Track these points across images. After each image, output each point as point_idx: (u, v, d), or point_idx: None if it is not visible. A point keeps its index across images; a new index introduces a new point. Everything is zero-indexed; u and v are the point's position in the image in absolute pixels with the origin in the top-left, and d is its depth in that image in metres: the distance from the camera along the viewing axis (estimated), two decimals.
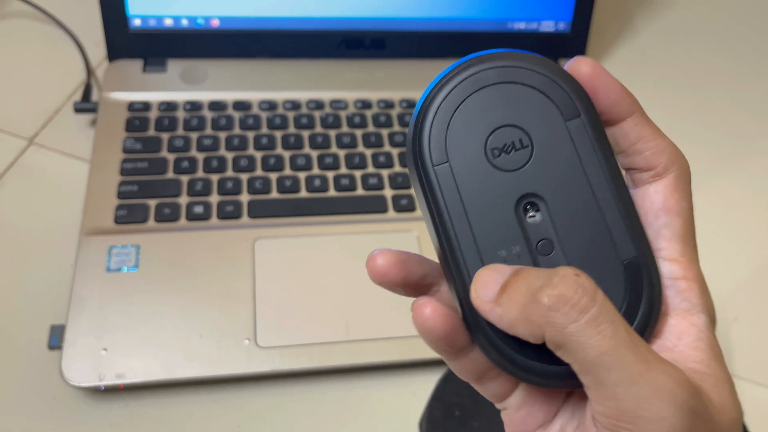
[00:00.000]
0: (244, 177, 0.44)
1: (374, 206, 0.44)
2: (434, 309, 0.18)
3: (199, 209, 0.42)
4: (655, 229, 0.19)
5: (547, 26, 0.54)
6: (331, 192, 0.44)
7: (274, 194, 0.44)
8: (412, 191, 0.45)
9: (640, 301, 0.18)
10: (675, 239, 0.18)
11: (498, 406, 0.21)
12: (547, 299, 0.16)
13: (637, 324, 0.18)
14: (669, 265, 0.18)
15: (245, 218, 0.42)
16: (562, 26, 0.54)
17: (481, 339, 0.18)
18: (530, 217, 0.18)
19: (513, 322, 0.17)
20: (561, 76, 0.18)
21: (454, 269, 0.18)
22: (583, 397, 0.19)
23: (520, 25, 0.54)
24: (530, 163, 0.18)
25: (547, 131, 0.18)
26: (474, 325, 0.18)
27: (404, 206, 0.44)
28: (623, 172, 0.19)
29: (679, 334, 0.18)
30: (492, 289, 0.17)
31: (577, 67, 0.19)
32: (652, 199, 0.19)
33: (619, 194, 0.18)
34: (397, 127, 0.49)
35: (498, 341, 0.18)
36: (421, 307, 0.18)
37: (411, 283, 0.20)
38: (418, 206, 0.20)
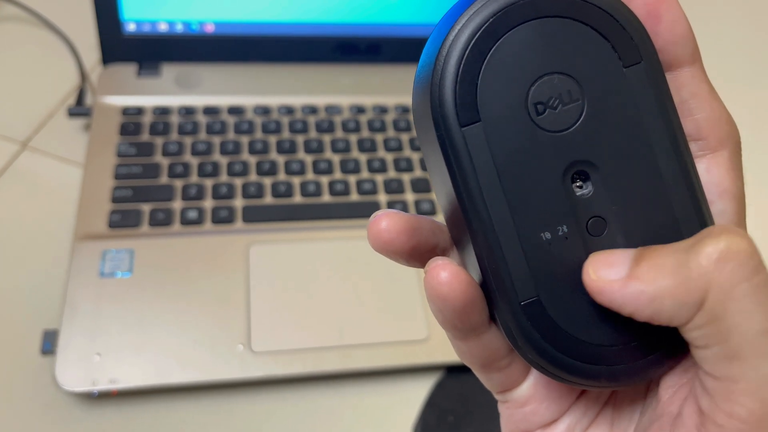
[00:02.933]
0: (239, 182, 0.44)
1: (369, 211, 0.44)
2: (453, 274, 0.15)
3: (193, 214, 0.42)
4: None
5: None
6: (326, 197, 0.44)
7: (269, 199, 0.44)
8: (406, 196, 0.45)
9: None
10: None
11: (499, 398, 0.19)
12: (714, 250, 0.13)
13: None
14: None
15: (239, 223, 0.42)
16: None
17: (518, 337, 0.15)
18: (578, 188, 0.15)
19: (660, 292, 0.13)
20: (617, 9, 0.15)
21: (487, 257, 0.15)
22: (600, 396, 0.18)
23: None
24: (581, 121, 0.14)
25: (602, 81, 0.14)
26: (510, 320, 0.15)
27: None
28: None
29: None
30: (622, 264, 0.14)
31: None
32: (705, 179, 0.16)
33: (685, 161, 0.15)
34: (391, 133, 0.49)
35: (539, 339, 0.15)
36: (437, 269, 0.15)
37: (418, 254, 0.17)
38: (433, 180, 0.16)
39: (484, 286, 0.16)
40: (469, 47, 0.14)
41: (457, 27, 0.14)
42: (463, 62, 0.14)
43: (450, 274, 0.15)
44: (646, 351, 0.16)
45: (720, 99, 0.16)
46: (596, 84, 0.14)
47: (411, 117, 0.50)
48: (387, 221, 0.16)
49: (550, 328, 0.15)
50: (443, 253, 0.17)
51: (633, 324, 0.15)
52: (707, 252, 0.13)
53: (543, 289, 0.15)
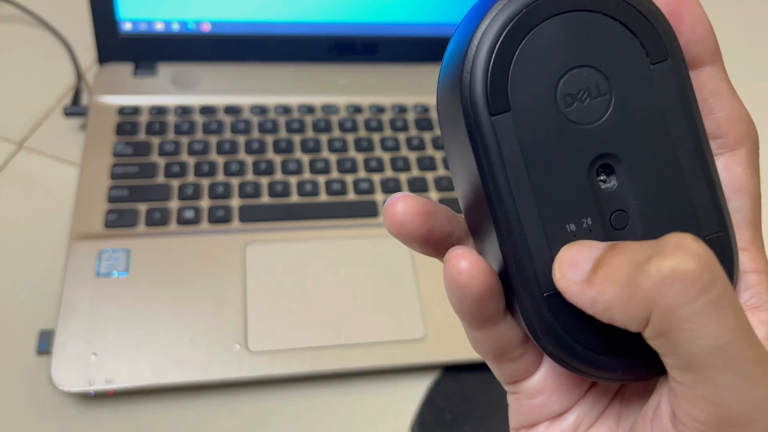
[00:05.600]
0: (235, 181, 0.44)
1: (365, 211, 0.44)
2: (473, 263, 0.15)
3: (189, 214, 0.42)
4: None
5: None
6: (323, 197, 0.44)
7: (265, 199, 0.44)
8: None
9: None
10: (745, 225, 0.16)
11: (509, 389, 0.19)
12: (657, 272, 0.13)
13: None
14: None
15: (236, 223, 0.42)
16: None
17: (539, 328, 0.15)
18: (602, 182, 0.15)
19: (610, 304, 0.14)
20: (647, 7, 0.15)
21: (510, 247, 0.15)
22: (609, 388, 0.18)
23: None
24: (608, 115, 0.15)
25: (630, 77, 0.15)
26: (532, 310, 0.15)
27: None
28: None
29: None
30: (583, 267, 0.14)
31: None
32: (722, 176, 0.16)
33: (705, 159, 0.15)
34: (388, 132, 0.49)
35: (560, 330, 0.15)
36: (457, 257, 0.15)
37: (432, 240, 0.17)
38: (455, 170, 0.16)
39: (504, 275, 0.16)
40: (502, 38, 0.14)
41: (489, 17, 0.14)
42: (495, 52, 0.14)
43: (470, 263, 0.15)
44: None
45: (739, 99, 0.16)
46: (624, 79, 0.15)
47: (408, 116, 0.50)
48: (403, 204, 0.16)
49: (571, 319, 0.15)
50: (458, 242, 0.17)
51: None
52: (652, 273, 0.13)
53: None
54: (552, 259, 0.15)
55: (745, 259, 0.16)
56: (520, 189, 0.14)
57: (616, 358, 0.15)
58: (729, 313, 0.13)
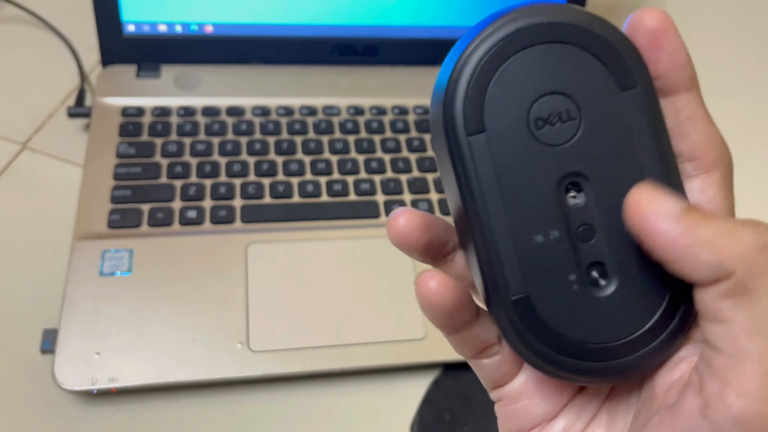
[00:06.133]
0: (237, 182, 0.45)
1: (366, 212, 0.44)
2: (440, 282, 0.17)
3: (192, 214, 0.42)
4: None
5: None
6: (324, 197, 0.45)
7: (267, 199, 0.44)
8: (404, 197, 0.46)
9: (682, 298, 0.16)
10: None
11: (493, 396, 0.20)
12: (759, 236, 0.14)
13: (677, 322, 0.16)
14: None
15: (238, 223, 0.43)
16: None
17: (508, 330, 0.17)
18: (572, 198, 0.16)
19: (701, 241, 0.14)
20: (617, 39, 0.16)
21: (483, 254, 0.16)
22: (597, 394, 0.18)
23: None
24: (577, 137, 0.16)
25: (598, 102, 0.16)
26: (501, 313, 0.17)
27: None
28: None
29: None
30: (675, 204, 0.14)
31: (643, 19, 0.16)
32: (696, 198, 0.17)
33: (672, 178, 0.16)
34: (389, 133, 0.49)
35: (527, 333, 0.16)
36: (426, 279, 0.17)
37: (431, 249, 0.18)
38: (444, 184, 0.18)
39: (483, 281, 0.17)
40: (479, 67, 0.16)
41: (470, 48, 0.16)
42: (472, 79, 0.16)
43: (437, 282, 0.17)
44: (633, 348, 0.16)
45: (714, 124, 0.17)
46: (593, 105, 0.16)
47: (408, 118, 0.50)
48: (405, 218, 0.18)
49: (538, 323, 0.16)
50: (453, 250, 0.19)
51: (621, 321, 0.16)
52: (754, 234, 0.14)
53: (533, 287, 0.16)
54: (520, 267, 0.16)
55: None
56: (492, 202, 0.16)
57: (585, 361, 0.16)
58: None
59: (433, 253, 0.18)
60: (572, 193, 0.16)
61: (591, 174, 0.16)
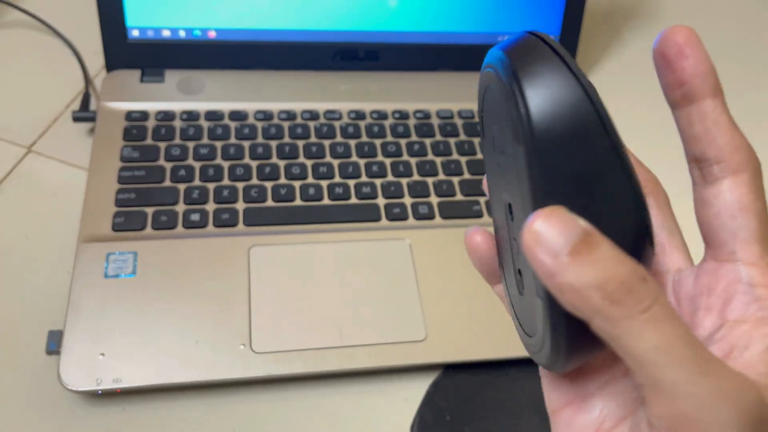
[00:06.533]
0: (240, 185, 0.45)
1: (367, 215, 0.45)
2: (482, 235, 0.22)
3: (195, 217, 0.43)
4: (730, 230, 0.18)
5: None
6: (325, 201, 0.45)
7: (270, 202, 0.45)
8: (404, 200, 0.46)
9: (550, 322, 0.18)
10: (753, 241, 0.17)
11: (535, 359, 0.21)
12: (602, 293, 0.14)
13: (549, 345, 0.18)
14: (747, 270, 0.17)
15: (241, 226, 0.43)
16: None
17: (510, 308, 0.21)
18: (510, 216, 0.19)
19: (585, 287, 0.14)
20: (524, 89, 0.16)
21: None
22: (623, 390, 0.19)
23: None
24: (504, 168, 0.18)
25: (508, 145, 0.18)
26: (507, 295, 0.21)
27: (397, 215, 0.45)
28: (694, 166, 0.19)
29: (747, 344, 0.17)
30: (564, 243, 0.14)
31: (672, 34, 0.18)
32: (726, 198, 0.18)
33: None
34: (389, 138, 0.50)
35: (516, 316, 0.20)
36: (473, 234, 0.22)
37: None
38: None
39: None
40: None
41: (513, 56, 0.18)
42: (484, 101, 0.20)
43: (480, 235, 0.22)
44: (538, 346, 0.19)
45: (739, 129, 0.18)
46: (507, 145, 0.18)
47: (409, 122, 0.51)
48: (479, 235, 0.22)
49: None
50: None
51: (531, 321, 0.19)
52: (595, 293, 0.15)
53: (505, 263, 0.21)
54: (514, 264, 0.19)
55: (754, 274, 0.17)
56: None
57: (528, 345, 0.19)
58: (666, 324, 0.14)
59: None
60: (510, 214, 0.19)
61: (512, 200, 0.18)
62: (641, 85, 0.61)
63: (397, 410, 0.38)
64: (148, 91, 0.50)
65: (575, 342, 0.17)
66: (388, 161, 0.48)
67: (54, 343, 0.37)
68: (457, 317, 0.40)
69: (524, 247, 0.15)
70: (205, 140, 0.47)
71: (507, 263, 0.20)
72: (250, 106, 0.50)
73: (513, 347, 0.38)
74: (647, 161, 0.58)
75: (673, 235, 0.20)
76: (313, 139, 0.49)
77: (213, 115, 0.49)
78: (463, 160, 0.49)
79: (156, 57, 0.50)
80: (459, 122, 0.52)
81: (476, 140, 0.51)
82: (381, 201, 0.46)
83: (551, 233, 0.14)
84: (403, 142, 0.50)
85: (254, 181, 0.46)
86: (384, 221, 0.45)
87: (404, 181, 0.47)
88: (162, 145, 0.47)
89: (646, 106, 0.60)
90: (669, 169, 0.55)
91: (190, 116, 0.48)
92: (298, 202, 0.45)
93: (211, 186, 0.45)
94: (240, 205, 0.44)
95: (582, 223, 0.14)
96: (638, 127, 0.58)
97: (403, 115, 0.51)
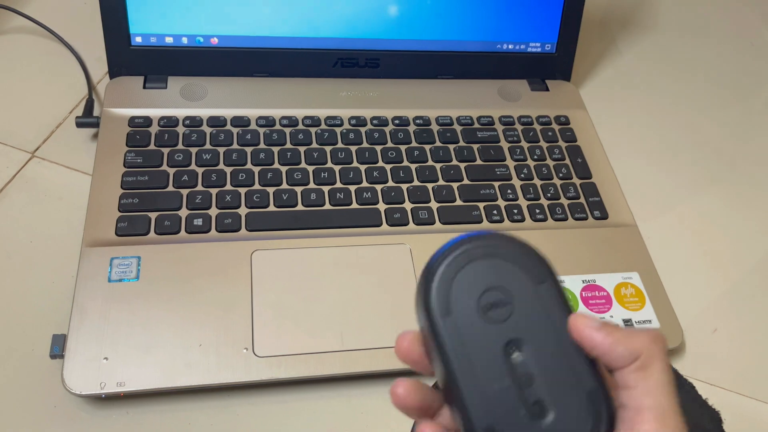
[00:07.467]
0: (242, 191, 0.46)
1: (368, 220, 0.45)
2: (405, 386, 0.24)
3: (198, 222, 0.43)
4: None
5: (534, 47, 0.56)
6: (327, 206, 0.46)
7: (272, 208, 0.45)
8: (404, 205, 0.47)
9: (600, 422, 0.22)
10: None
11: None
12: (652, 333, 0.22)
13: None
14: None
15: (243, 231, 0.44)
16: (548, 47, 0.56)
17: None
18: (515, 357, 0.23)
19: (617, 340, 0.22)
20: (529, 253, 0.24)
21: (457, 401, 0.22)
22: None
23: (509, 47, 0.56)
24: (513, 316, 0.23)
25: (523, 292, 0.23)
26: None
27: (397, 220, 0.46)
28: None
29: None
30: (596, 320, 0.22)
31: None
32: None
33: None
34: (390, 144, 0.50)
35: None
36: (396, 384, 0.24)
37: (423, 409, 0.24)
38: (428, 351, 0.24)
39: (461, 421, 0.23)
40: (444, 271, 0.23)
41: (440, 259, 0.23)
42: (440, 279, 0.23)
43: (403, 387, 0.24)
44: None
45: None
46: (519, 294, 0.23)
47: (409, 129, 0.52)
48: (402, 388, 0.24)
49: None
50: (439, 408, 0.25)
51: None
52: (648, 333, 0.22)
53: (496, 420, 0.22)
54: (485, 408, 0.22)
55: None
56: (460, 363, 0.22)
57: None
58: (671, 370, 0.22)
59: (424, 412, 0.24)
60: (515, 354, 0.23)
61: (525, 338, 0.23)
62: (637, 93, 0.62)
63: (397, 414, 0.39)
64: (151, 97, 0.50)
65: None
66: (388, 167, 0.49)
67: (58, 347, 0.37)
68: None
69: (580, 336, 0.22)
70: (207, 146, 0.48)
71: (502, 409, 0.22)
72: (252, 113, 0.50)
73: None
74: (643, 168, 0.59)
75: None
76: (314, 145, 0.49)
77: (215, 121, 0.49)
78: (463, 165, 0.50)
79: (159, 63, 0.51)
80: (458, 129, 0.52)
81: (476, 146, 0.52)
82: (381, 206, 0.46)
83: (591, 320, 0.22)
84: (403, 148, 0.50)
85: (256, 186, 0.46)
86: (384, 226, 0.46)
87: (404, 186, 0.48)
88: (165, 150, 0.47)
89: (641, 114, 0.60)
90: (665, 176, 0.55)
91: (193, 122, 0.49)
92: (299, 207, 0.45)
93: (213, 191, 0.45)
94: (242, 211, 0.45)
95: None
96: (634, 134, 0.58)
97: (403, 122, 0.52)
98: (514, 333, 0.23)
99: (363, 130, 0.51)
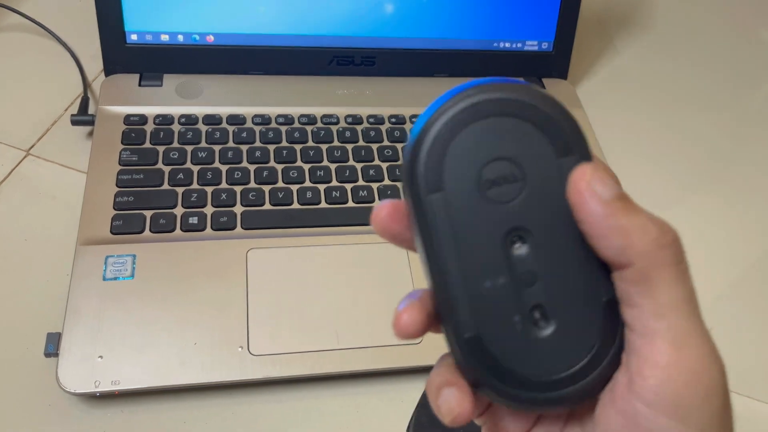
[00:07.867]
0: (238, 189, 0.45)
1: (364, 218, 0.45)
2: (386, 205, 0.20)
3: (193, 220, 0.43)
4: None
5: (531, 46, 0.56)
6: (323, 204, 0.46)
7: (267, 206, 0.45)
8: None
9: (614, 338, 0.18)
10: None
11: (478, 421, 0.22)
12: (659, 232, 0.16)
13: (609, 359, 0.18)
14: None
15: (239, 229, 0.44)
16: (545, 46, 0.56)
17: (463, 366, 0.19)
18: (516, 248, 0.18)
19: (621, 228, 0.16)
20: (558, 112, 0.18)
21: (442, 302, 0.18)
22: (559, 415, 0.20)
23: (505, 45, 0.56)
24: (521, 196, 0.18)
25: (539, 167, 0.18)
26: (456, 351, 0.19)
27: None
28: None
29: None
30: (610, 189, 0.17)
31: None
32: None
33: None
34: (386, 142, 0.50)
35: (480, 368, 0.18)
36: (379, 207, 0.20)
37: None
38: (411, 231, 0.20)
39: (442, 321, 0.19)
40: (438, 134, 0.18)
41: (433, 117, 0.18)
42: (432, 145, 0.18)
43: (385, 205, 0.19)
44: (574, 379, 0.18)
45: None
46: (534, 169, 0.18)
47: (405, 127, 0.52)
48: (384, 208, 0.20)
49: (490, 360, 0.18)
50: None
51: (562, 356, 0.18)
52: (658, 234, 0.16)
53: (483, 327, 0.18)
54: (471, 309, 0.18)
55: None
56: (448, 252, 0.18)
57: (532, 392, 0.18)
58: (689, 280, 0.16)
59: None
60: (517, 245, 0.18)
61: (533, 227, 0.18)
62: (634, 92, 0.62)
63: (393, 412, 0.39)
64: (146, 95, 0.50)
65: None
66: (384, 165, 0.49)
67: (52, 346, 0.37)
68: None
69: (576, 197, 0.17)
70: (203, 144, 0.48)
71: (493, 314, 0.18)
72: (247, 111, 0.50)
73: None
74: (640, 167, 0.59)
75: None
76: (310, 143, 0.49)
77: (211, 119, 0.49)
78: None
79: (154, 61, 0.51)
80: None
81: None
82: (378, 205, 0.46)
83: (605, 179, 0.17)
84: (399, 146, 0.50)
85: (252, 184, 0.46)
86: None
87: (401, 185, 0.48)
88: (160, 148, 0.47)
89: (639, 113, 0.60)
90: (661, 175, 0.55)
91: (189, 120, 0.49)
92: (295, 205, 0.45)
93: (209, 189, 0.45)
94: (238, 209, 0.45)
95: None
96: (631, 133, 0.58)
97: (399, 120, 0.52)
98: (520, 219, 0.18)
99: (359, 128, 0.51)
